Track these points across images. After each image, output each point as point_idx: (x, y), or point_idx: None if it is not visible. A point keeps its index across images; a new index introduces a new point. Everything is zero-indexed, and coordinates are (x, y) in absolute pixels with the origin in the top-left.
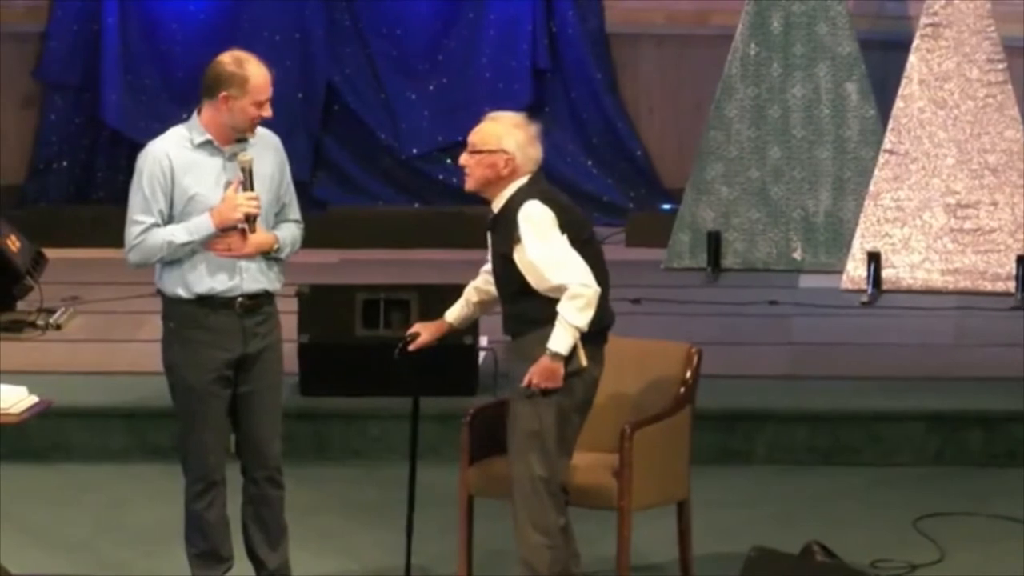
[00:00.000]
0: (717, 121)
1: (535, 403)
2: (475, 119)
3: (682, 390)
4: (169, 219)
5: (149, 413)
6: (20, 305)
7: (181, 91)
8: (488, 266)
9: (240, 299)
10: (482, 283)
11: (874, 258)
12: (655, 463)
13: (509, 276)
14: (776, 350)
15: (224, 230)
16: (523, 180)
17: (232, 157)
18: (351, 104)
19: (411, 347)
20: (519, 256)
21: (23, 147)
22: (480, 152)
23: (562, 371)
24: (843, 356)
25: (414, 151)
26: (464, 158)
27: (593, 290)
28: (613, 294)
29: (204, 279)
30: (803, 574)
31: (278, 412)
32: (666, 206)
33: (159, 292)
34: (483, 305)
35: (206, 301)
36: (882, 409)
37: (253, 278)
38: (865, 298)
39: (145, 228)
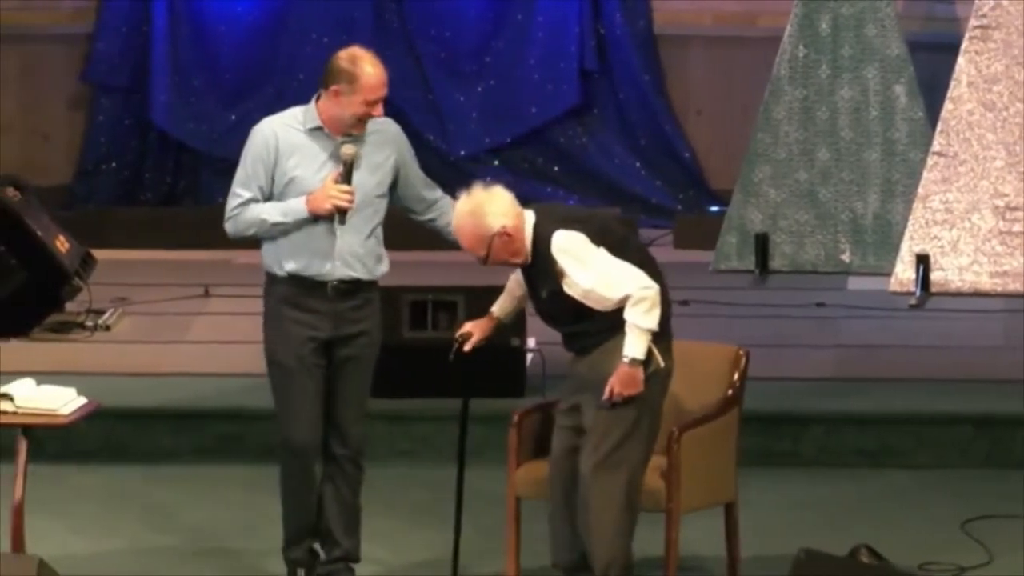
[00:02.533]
0: (765, 123)
1: (617, 411)
2: (523, 121)
3: (730, 392)
4: (269, 196)
5: (197, 414)
6: (69, 306)
7: (229, 92)
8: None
9: (332, 283)
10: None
11: (922, 260)
12: (703, 465)
13: (563, 306)
14: (824, 352)
15: (318, 218)
16: (531, 221)
17: (347, 140)
18: (399, 105)
19: (467, 347)
20: (571, 288)
21: (72, 148)
22: (490, 253)
23: (642, 376)
24: (891, 358)
25: (462, 152)
26: (487, 263)
27: (654, 289)
28: None
29: (297, 259)
30: None
31: (364, 395)
32: (714, 208)
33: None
34: (527, 297)
35: (298, 280)
36: (930, 411)
37: (346, 264)
38: (913, 300)
39: (243, 202)
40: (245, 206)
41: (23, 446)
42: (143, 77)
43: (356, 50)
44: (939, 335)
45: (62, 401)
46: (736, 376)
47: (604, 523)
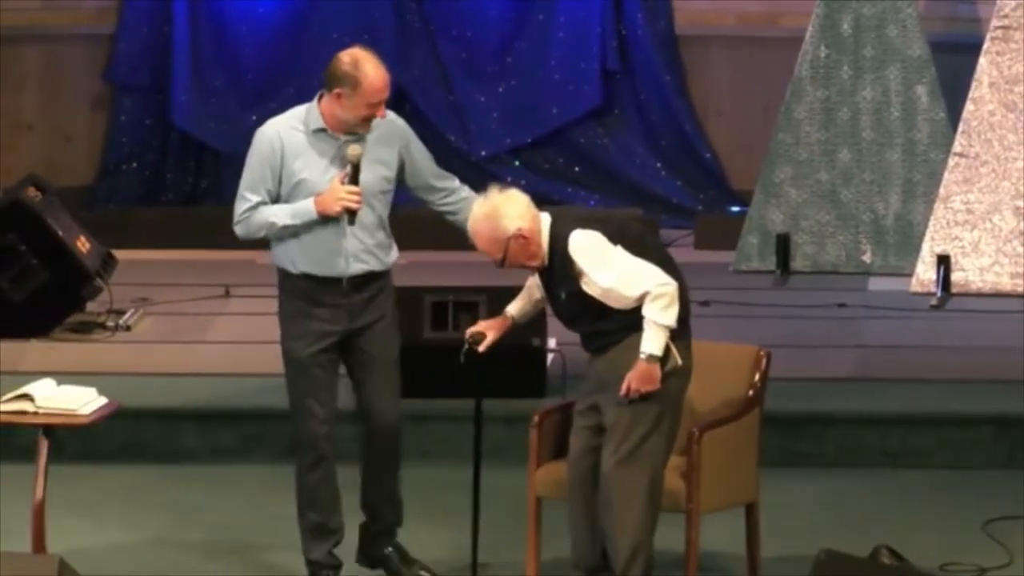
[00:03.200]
0: (786, 123)
1: (637, 408)
2: (544, 121)
3: (751, 393)
4: (277, 198)
5: (218, 414)
6: (90, 306)
7: (250, 92)
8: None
9: (347, 278)
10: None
11: (943, 261)
12: (724, 465)
13: (581, 306)
14: (845, 353)
15: (328, 218)
16: (547, 222)
17: (346, 147)
18: (420, 106)
19: (481, 348)
20: (590, 288)
21: (93, 149)
22: (506, 256)
23: (659, 373)
24: (912, 359)
25: (483, 153)
26: (504, 266)
27: (673, 286)
28: None
29: (309, 259)
30: None
31: (393, 380)
32: (735, 208)
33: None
34: (545, 299)
35: (312, 278)
36: (951, 412)
37: (358, 259)
38: (934, 301)
39: (252, 206)
40: (254, 210)
41: (44, 446)
42: (165, 77)
43: (357, 52)
44: (960, 336)
45: (83, 401)
46: (757, 376)
47: (626, 520)
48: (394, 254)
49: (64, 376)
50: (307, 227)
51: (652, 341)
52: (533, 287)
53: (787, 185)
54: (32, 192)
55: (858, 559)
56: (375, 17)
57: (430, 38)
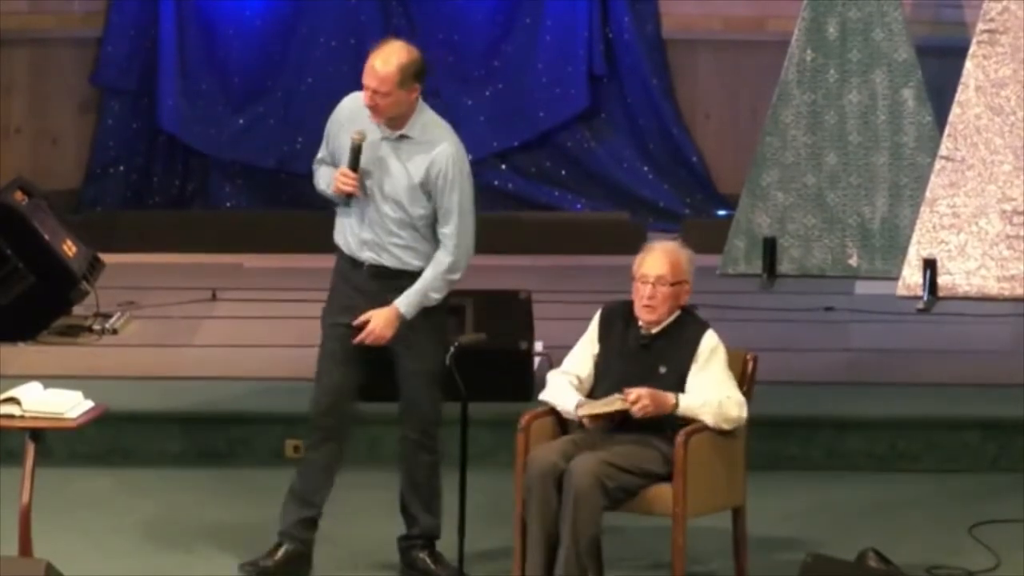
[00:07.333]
0: (773, 127)
1: (649, 456)
2: (531, 125)
3: None
4: (335, 161)
5: (205, 418)
6: (76, 310)
7: (237, 96)
8: (573, 376)
9: (366, 265)
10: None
11: (930, 265)
12: (710, 470)
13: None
14: (832, 356)
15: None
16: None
17: (385, 134)
18: None
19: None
20: (695, 378)
21: (80, 152)
22: (677, 283)
23: (669, 409)
24: (899, 363)
25: (470, 157)
26: (651, 291)
27: (743, 417)
28: None
29: (338, 234)
30: None
31: (426, 378)
32: (722, 212)
33: None
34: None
35: (340, 252)
36: (938, 415)
37: (372, 250)
38: (921, 305)
39: (318, 160)
40: (319, 164)
41: (31, 449)
42: (152, 81)
43: (385, 42)
44: (947, 339)
45: (70, 405)
46: (744, 380)
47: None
48: (418, 263)
49: (51, 380)
50: (338, 201)
51: (692, 408)
52: (571, 383)
53: (774, 189)
54: (19, 195)
55: (845, 563)
56: (362, 20)
57: (417, 41)
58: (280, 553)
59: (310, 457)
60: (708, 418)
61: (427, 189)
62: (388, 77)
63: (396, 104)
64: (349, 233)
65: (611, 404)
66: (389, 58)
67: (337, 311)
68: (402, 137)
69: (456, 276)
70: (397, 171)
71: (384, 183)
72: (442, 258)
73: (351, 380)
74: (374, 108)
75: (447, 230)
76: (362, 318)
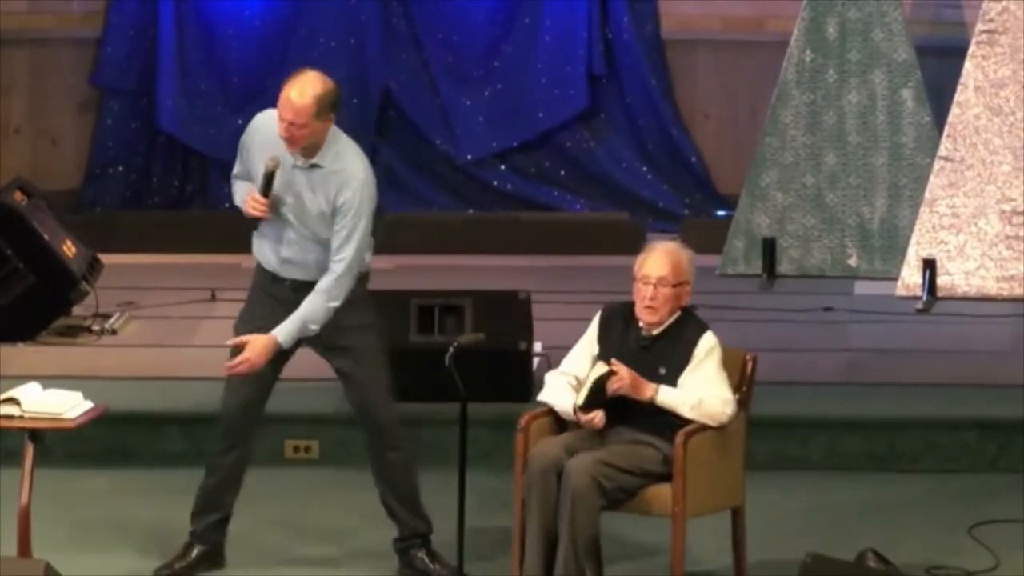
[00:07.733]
0: (772, 127)
1: (646, 456)
2: (530, 125)
3: (737, 397)
4: (251, 177)
5: (205, 418)
6: (76, 310)
7: (236, 96)
8: (572, 377)
9: (288, 281)
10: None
11: (929, 265)
12: (710, 470)
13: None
14: (831, 356)
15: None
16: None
17: (297, 162)
18: (406, 110)
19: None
20: (687, 376)
21: (80, 152)
22: (679, 284)
23: (647, 397)
24: (898, 363)
25: (469, 157)
26: (653, 292)
27: (730, 416)
28: None
29: (258, 250)
30: None
31: (375, 384)
32: (721, 212)
33: None
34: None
35: (263, 269)
36: (938, 416)
37: (293, 268)
38: (920, 305)
39: (234, 175)
40: (235, 179)
41: (30, 450)
42: (151, 81)
43: (301, 72)
44: (946, 340)
45: (69, 405)
46: (744, 380)
47: (587, 506)
48: (313, 292)
49: (50, 380)
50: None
51: (671, 400)
52: (570, 384)
53: (773, 189)
54: (18, 196)
55: (844, 563)
56: (361, 20)
57: (416, 41)
58: (193, 554)
59: (220, 461)
60: (687, 412)
61: (336, 215)
62: (304, 109)
63: (312, 135)
64: (269, 250)
65: (597, 371)
66: (304, 89)
67: (258, 317)
68: (313, 166)
69: (336, 304)
70: (308, 199)
71: (296, 209)
72: (326, 286)
73: (264, 386)
74: (289, 139)
75: (339, 257)
76: (238, 340)
